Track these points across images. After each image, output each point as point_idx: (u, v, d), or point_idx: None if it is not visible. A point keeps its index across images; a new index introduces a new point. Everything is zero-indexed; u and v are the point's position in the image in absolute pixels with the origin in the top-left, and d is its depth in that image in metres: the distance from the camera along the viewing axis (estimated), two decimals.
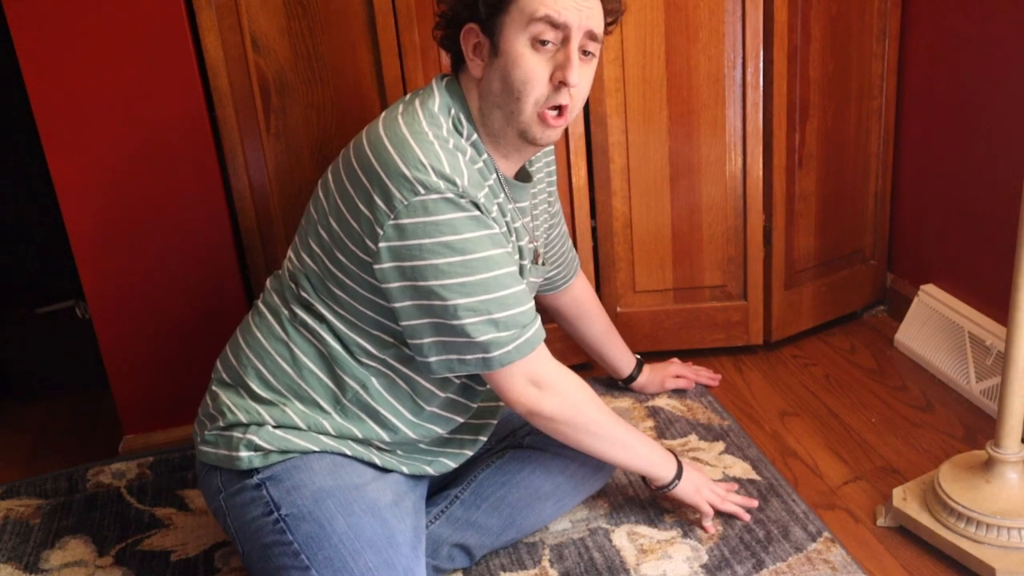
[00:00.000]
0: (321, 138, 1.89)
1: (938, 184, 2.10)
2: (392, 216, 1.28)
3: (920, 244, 2.20)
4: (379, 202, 1.29)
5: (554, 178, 1.70)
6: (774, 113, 2.00)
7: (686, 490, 1.60)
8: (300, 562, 1.32)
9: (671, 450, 1.63)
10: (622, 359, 1.99)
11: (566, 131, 1.98)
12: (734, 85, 1.99)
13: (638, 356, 2.03)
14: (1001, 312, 1.83)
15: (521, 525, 1.61)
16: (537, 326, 1.38)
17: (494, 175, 1.40)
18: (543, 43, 1.31)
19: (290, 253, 1.49)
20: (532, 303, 1.38)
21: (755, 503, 1.67)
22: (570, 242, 1.83)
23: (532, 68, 1.32)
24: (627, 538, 1.63)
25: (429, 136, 1.31)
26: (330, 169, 1.42)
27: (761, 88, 1.99)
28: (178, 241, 1.89)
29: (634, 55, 1.96)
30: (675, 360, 2.10)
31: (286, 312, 1.44)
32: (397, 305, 1.34)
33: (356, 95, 1.87)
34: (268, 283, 1.52)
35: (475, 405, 1.52)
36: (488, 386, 1.48)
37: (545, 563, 1.60)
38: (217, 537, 1.72)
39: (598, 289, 2.13)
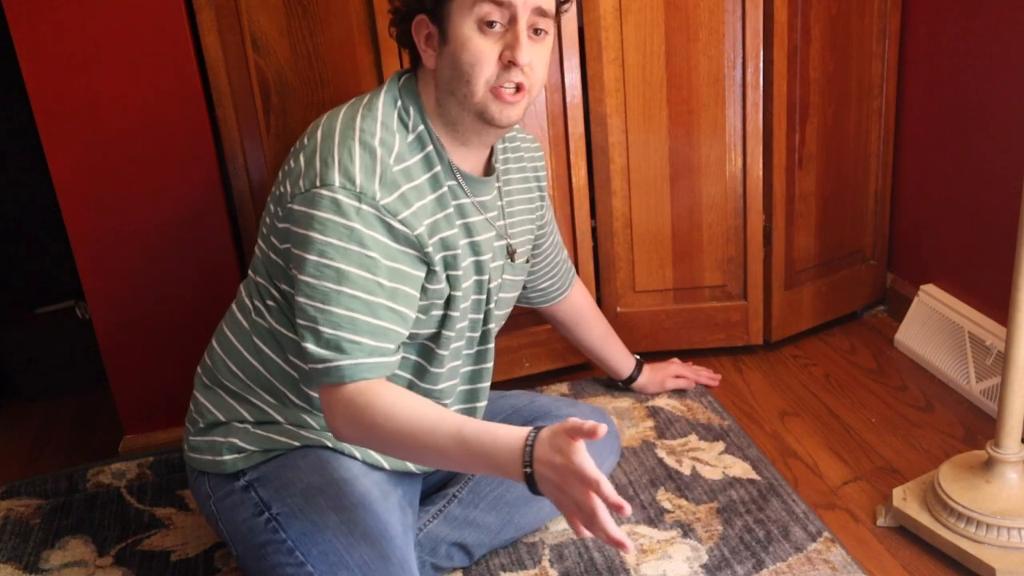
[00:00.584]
0: None
1: (938, 184, 2.10)
2: (289, 199, 1.31)
3: (920, 244, 2.20)
4: (288, 185, 1.32)
5: (544, 184, 1.67)
6: (774, 113, 2.00)
7: (548, 490, 1.19)
8: (295, 559, 1.33)
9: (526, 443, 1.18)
10: (622, 361, 1.99)
11: (566, 131, 1.98)
12: (734, 85, 1.99)
13: (637, 357, 2.03)
14: (1001, 312, 1.83)
15: (519, 523, 1.61)
16: (356, 362, 1.25)
17: (439, 167, 1.37)
18: (490, 24, 1.30)
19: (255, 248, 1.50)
20: (377, 343, 1.26)
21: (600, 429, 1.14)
22: (565, 252, 1.82)
23: (479, 49, 1.30)
24: (627, 538, 1.63)
25: (355, 130, 1.31)
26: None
27: (761, 88, 1.99)
28: (178, 241, 1.89)
29: (634, 55, 1.96)
30: (675, 360, 2.10)
31: (249, 306, 1.46)
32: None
33: (356, 95, 1.87)
34: (241, 284, 1.53)
35: (435, 388, 1.46)
36: (442, 381, 1.45)
37: (545, 563, 1.60)
38: (217, 537, 1.72)
39: (598, 289, 2.13)
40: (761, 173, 2.05)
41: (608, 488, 1.12)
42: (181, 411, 1.94)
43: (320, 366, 1.26)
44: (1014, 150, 1.83)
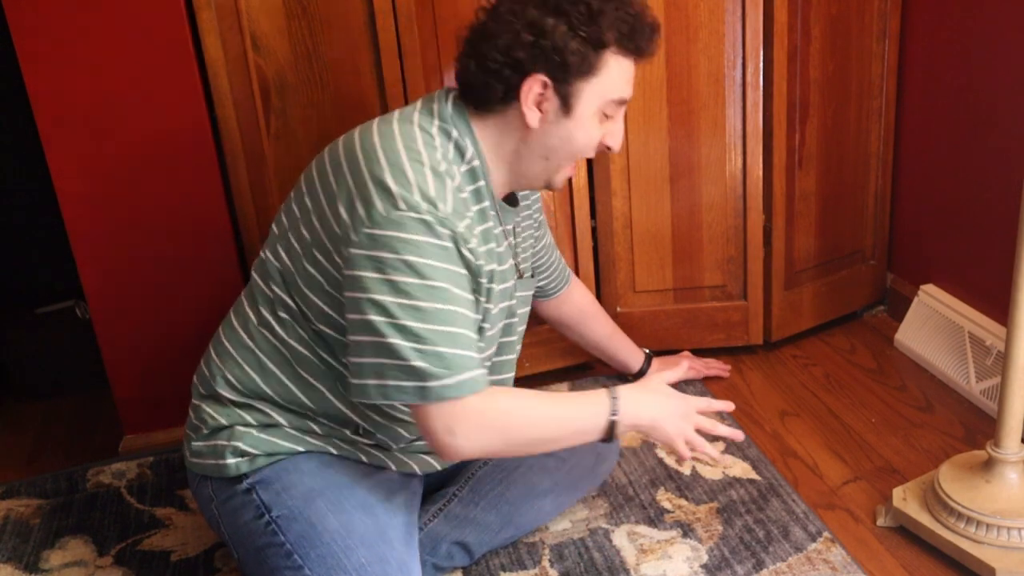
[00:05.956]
0: (321, 138, 1.89)
1: (938, 184, 2.10)
2: (368, 225, 1.27)
3: (920, 244, 2.20)
4: (359, 209, 1.28)
5: (538, 194, 1.69)
6: (774, 113, 2.00)
7: (629, 423, 1.38)
8: (293, 562, 1.33)
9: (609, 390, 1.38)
10: (630, 356, 2.00)
11: None
12: (734, 85, 1.99)
13: (646, 351, 2.04)
14: (1001, 312, 1.83)
15: (520, 522, 1.61)
16: (477, 375, 1.28)
17: (488, 201, 1.38)
18: (608, 116, 1.38)
19: (263, 252, 1.47)
20: (479, 357, 1.31)
21: (737, 436, 1.42)
22: (558, 251, 1.83)
23: (594, 136, 1.38)
24: (627, 538, 1.64)
25: (422, 155, 1.30)
26: (315, 166, 1.40)
27: (761, 88, 1.99)
28: (178, 241, 1.89)
29: None
30: (687, 353, 2.11)
31: (253, 317, 1.43)
32: (349, 316, 1.30)
33: (356, 95, 1.87)
34: (242, 293, 1.51)
35: None
36: None
37: (545, 563, 1.60)
38: (217, 537, 1.72)
39: (598, 289, 2.13)
40: (761, 173, 2.05)
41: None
42: (181, 411, 1.94)
43: (449, 382, 1.26)
44: (1014, 150, 1.83)
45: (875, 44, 2.11)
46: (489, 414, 1.31)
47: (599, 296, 2.13)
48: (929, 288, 2.12)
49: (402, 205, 1.25)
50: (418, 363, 1.25)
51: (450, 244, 1.28)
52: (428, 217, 1.26)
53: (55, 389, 2.33)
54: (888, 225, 2.27)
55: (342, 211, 1.30)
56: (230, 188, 1.90)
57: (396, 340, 1.25)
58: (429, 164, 1.30)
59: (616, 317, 2.13)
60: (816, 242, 2.18)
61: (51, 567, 1.69)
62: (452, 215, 1.28)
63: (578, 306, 1.89)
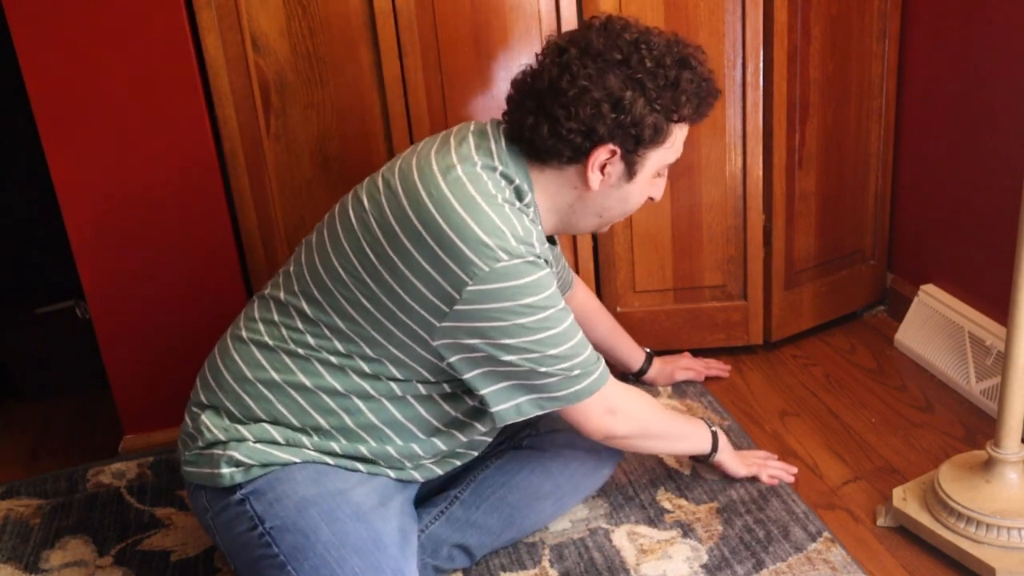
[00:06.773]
0: (321, 138, 1.89)
1: (938, 184, 2.10)
2: (472, 282, 1.29)
3: (920, 244, 2.20)
4: (453, 267, 1.29)
5: None
6: (774, 113, 2.00)
7: (726, 458, 1.70)
8: (287, 574, 1.32)
9: (705, 421, 1.70)
10: (631, 354, 2.01)
11: None
12: (734, 85, 1.99)
13: (647, 350, 2.04)
14: (1001, 312, 1.83)
15: (521, 525, 1.61)
16: (604, 362, 1.46)
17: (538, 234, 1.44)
18: (659, 174, 1.47)
19: (293, 270, 1.45)
20: None
21: (794, 469, 1.76)
22: (564, 260, 1.84)
23: (647, 193, 1.47)
24: (627, 538, 1.64)
25: (499, 199, 1.33)
26: (367, 202, 1.38)
27: (761, 88, 1.99)
28: (178, 241, 1.89)
29: None
30: (687, 354, 2.11)
31: (271, 340, 1.42)
32: (458, 360, 1.36)
33: (356, 95, 1.87)
34: (255, 306, 1.49)
35: (466, 439, 1.51)
36: (488, 427, 1.49)
37: (545, 563, 1.60)
38: None
39: (598, 289, 2.13)
40: (761, 173, 2.05)
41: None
42: (181, 411, 1.94)
43: (595, 375, 1.42)
44: (1014, 150, 1.83)
45: (875, 44, 2.11)
46: (632, 392, 1.52)
47: (599, 296, 2.13)
48: (929, 288, 2.12)
49: (504, 256, 1.29)
50: (572, 375, 1.39)
51: (548, 269, 1.36)
52: (530, 258, 1.32)
53: (55, 389, 2.33)
54: (888, 225, 2.27)
55: (428, 268, 1.30)
56: (230, 187, 1.90)
57: (545, 369, 1.36)
58: (508, 206, 1.34)
59: (616, 317, 2.12)
60: (816, 242, 2.18)
61: (51, 567, 1.69)
62: (539, 247, 1.36)
63: (580, 306, 1.89)
